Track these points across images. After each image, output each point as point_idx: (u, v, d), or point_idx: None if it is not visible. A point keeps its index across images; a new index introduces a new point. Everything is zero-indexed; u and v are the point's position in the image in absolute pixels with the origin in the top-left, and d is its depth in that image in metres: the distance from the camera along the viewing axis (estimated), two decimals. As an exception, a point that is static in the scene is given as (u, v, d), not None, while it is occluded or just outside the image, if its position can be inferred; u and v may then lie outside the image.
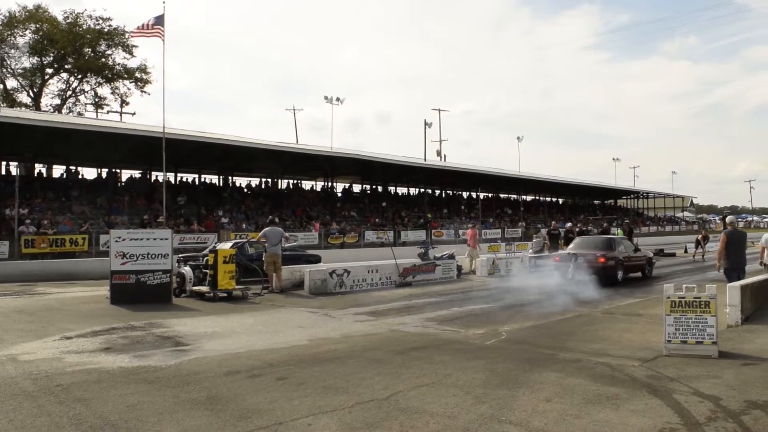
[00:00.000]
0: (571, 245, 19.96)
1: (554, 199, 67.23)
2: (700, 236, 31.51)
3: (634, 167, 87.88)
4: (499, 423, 5.14)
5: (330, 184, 46.38)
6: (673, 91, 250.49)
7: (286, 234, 17.16)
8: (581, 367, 7.18)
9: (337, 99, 45.79)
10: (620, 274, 18.05)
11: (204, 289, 14.19)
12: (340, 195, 45.67)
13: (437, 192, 53.22)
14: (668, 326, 7.80)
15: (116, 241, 13.22)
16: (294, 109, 62.96)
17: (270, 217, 18.78)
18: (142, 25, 23.16)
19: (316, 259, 21.00)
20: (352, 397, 5.88)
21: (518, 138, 56.46)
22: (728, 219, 13.37)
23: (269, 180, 42.95)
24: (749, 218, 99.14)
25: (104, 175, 35.96)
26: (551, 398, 5.84)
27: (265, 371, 6.98)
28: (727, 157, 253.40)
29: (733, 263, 12.03)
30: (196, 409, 5.56)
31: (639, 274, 19.81)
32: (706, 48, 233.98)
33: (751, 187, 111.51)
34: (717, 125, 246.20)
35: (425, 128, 60.24)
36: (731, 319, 9.84)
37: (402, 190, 52.15)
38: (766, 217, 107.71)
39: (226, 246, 17.11)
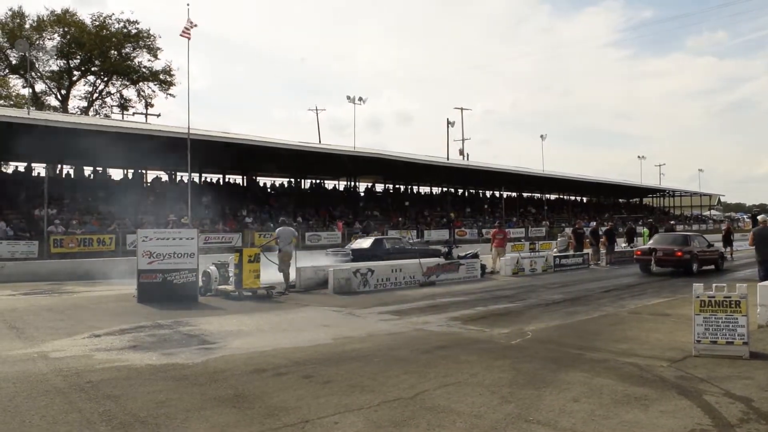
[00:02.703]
0: (651, 241, 21.95)
1: (578, 198, 66.65)
2: (723, 230, 30.92)
3: (659, 165, 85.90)
4: (526, 422, 5.11)
5: (353, 183, 46.46)
6: (697, 88, 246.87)
7: (297, 233, 17.63)
8: (609, 367, 7.11)
9: (360, 99, 45.71)
10: (695, 267, 19.84)
11: (229, 288, 14.31)
12: (362, 194, 45.74)
13: (460, 191, 53.04)
14: (697, 326, 7.69)
15: (143, 240, 13.39)
16: (316, 109, 63.28)
17: (282, 218, 18.96)
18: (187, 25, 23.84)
19: (437, 253, 21.84)
20: (378, 396, 5.88)
21: (542, 136, 55.90)
22: (760, 217, 14.35)
23: (292, 180, 43.13)
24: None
25: (130, 176, 36.40)
26: (579, 398, 5.79)
27: (291, 369, 7.02)
28: (754, 154, 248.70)
29: (764, 256, 13.30)
30: (224, 406, 5.61)
31: (712, 266, 21.44)
32: (731, 44, 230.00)
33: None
34: (742, 122, 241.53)
35: (448, 127, 60.10)
36: (762, 319, 9.68)
37: (425, 190, 52.09)
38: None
39: (367, 242, 18.82)
